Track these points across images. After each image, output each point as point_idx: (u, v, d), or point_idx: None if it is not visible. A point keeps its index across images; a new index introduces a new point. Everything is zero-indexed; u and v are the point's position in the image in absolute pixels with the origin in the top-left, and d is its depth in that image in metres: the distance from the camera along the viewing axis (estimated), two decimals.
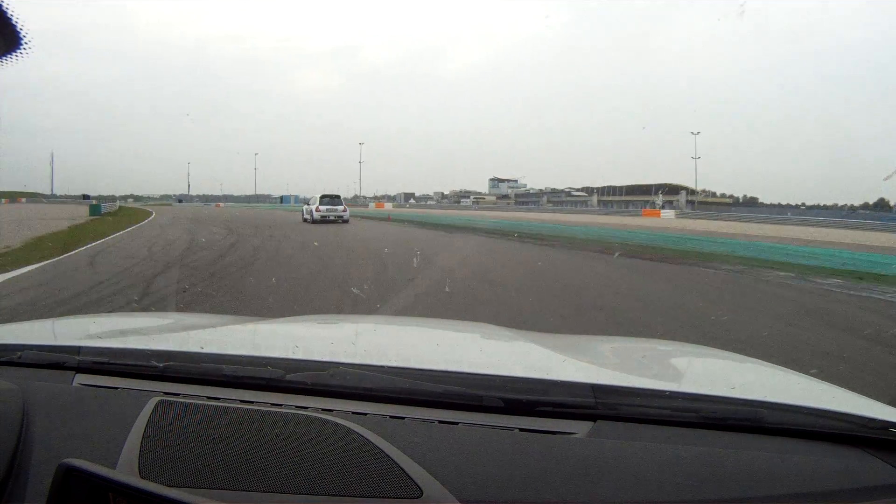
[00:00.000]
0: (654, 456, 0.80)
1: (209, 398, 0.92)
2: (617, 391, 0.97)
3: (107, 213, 29.23)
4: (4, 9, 0.67)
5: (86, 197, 49.80)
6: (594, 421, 0.88)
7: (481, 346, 1.52)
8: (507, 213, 45.92)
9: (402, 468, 0.71)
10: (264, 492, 0.69)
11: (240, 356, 1.06)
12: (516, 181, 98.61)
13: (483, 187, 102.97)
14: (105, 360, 1.05)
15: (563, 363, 1.27)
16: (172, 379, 0.99)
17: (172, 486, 0.66)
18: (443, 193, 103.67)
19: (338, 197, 23.18)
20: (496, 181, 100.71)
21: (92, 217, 25.06)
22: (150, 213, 32.82)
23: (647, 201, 61.20)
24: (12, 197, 69.34)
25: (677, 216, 42.27)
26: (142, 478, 0.69)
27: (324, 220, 21.83)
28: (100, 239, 13.24)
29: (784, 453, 0.83)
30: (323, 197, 22.98)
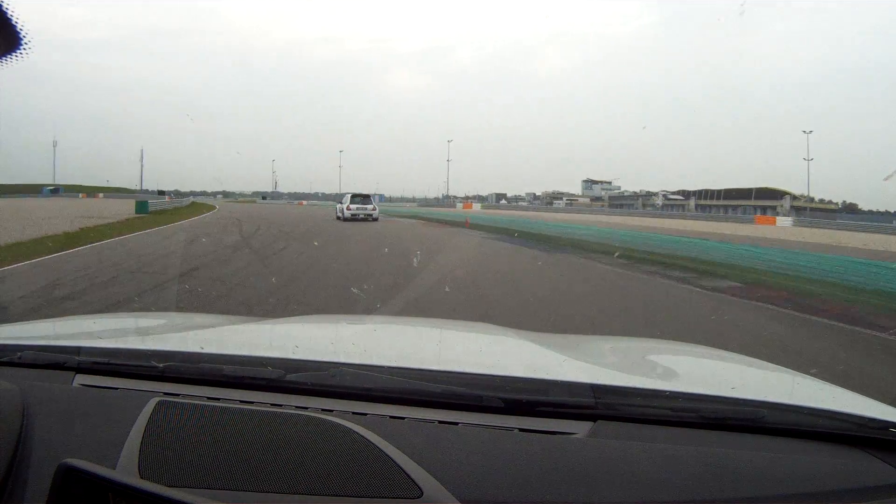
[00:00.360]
0: (654, 456, 0.80)
1: (209, 398, 0.92)
2: (617, 391, 0.97)
3: (156, 211, 25.66)
4: (4, 9, 0.67)
5: (161, 192, 50.35)
6: (594, 421, 0.88)
7: (481, 346, 1.52)
8: (606, 218, 40.92)
9: (402, 468, 0.71)
10: (264, 492, 0.69)
11: (240, 356, 1.06)
12: (610, 183, 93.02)
13: (575, 188, 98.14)
14: (105, 360, 1.05)
15: (563, 363, 1.27)
16: (172, 379, 0.99)
17: (172, 487, 0.66)
18: (535, 194, 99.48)
19: (368, 196, 24.97)
20: (589, 183, 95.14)
21: (136, 215, 22.55)
22: (207, 211, 30.26)
23: (761, 206, 57.09)
24: (90, 192, 68.12)
25: (795, 224, 38.22)
26: (142, 478, 0.69)
27: (353, 218, 23.14)
28: (78, 247, 10.62)
29: (784, 453, 0.83)
30: (354, 196, 24.56)
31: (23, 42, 0.71)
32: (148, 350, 1.10)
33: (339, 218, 24.15)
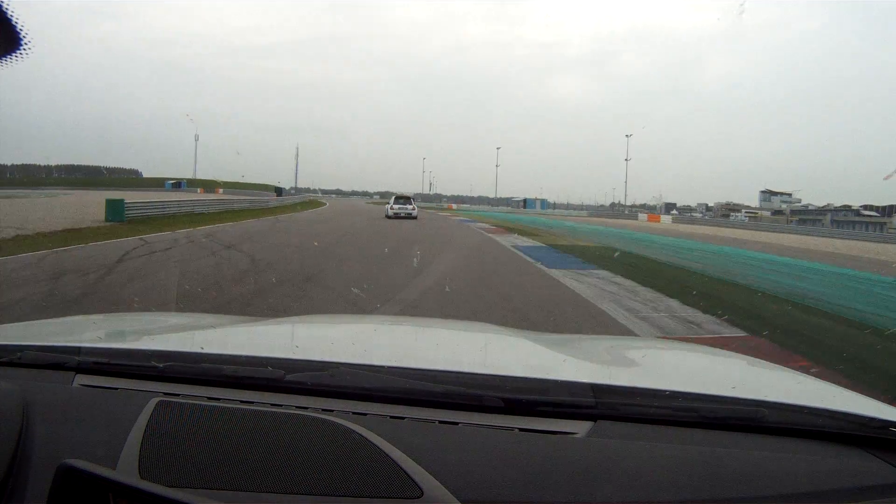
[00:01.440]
0: (654, 456, 0.80)
1: (209, 398, 0.92)
2: (617, 391, 0.97)
3: (137, 219, 18.52)
4: (4, 9, 0.67)
5: (277, 190, 50.33)
6: (594, 421, 0.88)
7: (481, 345, 1.52)
8: (824, 243, 26.66)
9: (402, 468, 0.71)
10: (264, 492, 0.69)
11: (240, 356, 1.05)
12: (790, 195, 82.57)
13: (750, 199, 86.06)
14: (105, 360, 1.05)
15: (563, 363, 1.27)
16: (172, 379, 0.99)
17: (172, 487, 0.66)
18: (707, 205, 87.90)
19: (409, 198, 29.87)
20: (767, 194, 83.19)
21: (105, 222, 17.08)
22: (283, 213, 26.01)
23: None
24: (209, 186, 64.59)
25: None
26: (142, 478, 0.69)
27: (396, 216, 27.22)
28: None
29: (784, 453, 0.84)
30: (398, 198, 29.63)
31: (23, 42, 0.70)
32: (148, 350, 1.10)
33: (387, 216, 27.64)
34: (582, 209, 78.35)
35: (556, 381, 0.96)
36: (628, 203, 70.80)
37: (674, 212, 78.78)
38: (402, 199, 29.77)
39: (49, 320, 1.93)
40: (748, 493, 0.75)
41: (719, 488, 0.75)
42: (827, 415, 0.91)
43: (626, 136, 70.06)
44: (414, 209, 28.82)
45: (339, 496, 0.68)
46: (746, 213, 74.90)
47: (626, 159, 66.73)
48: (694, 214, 77.40)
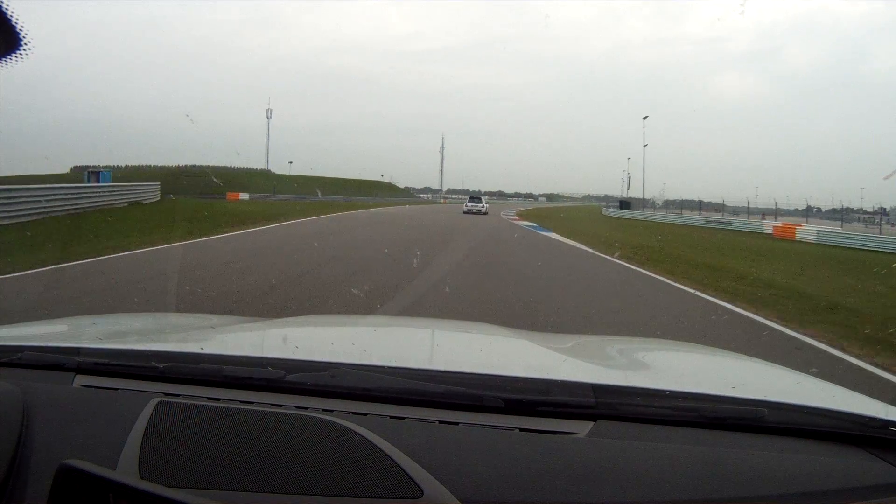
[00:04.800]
0: (654, 456, 0.80)
1: (209, 399, 0.92)
2: (617, 391, 0.97)
3: None
4: (4, 9, 0.67)
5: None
6: (595, 421, 0.88)
7: (482, 346, 1.52)
8: None
9: (402, 468, 0.71)
10: (264, 492, 0.69)
11: (240, 357, 1.05)
12: None
13: None
14: (105, 360, 1.05)
15: (563, 363, 1.27)
16: (173, 380, 0.99)
17: (172, 487, 0.66)
18: (884, 210, 69.85)
19: (479, 198, 35.82)
20: None
21: None
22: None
23: None
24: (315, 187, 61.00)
25: None
26: (142, 478, 0.69)
27: (469, 212, 32.18)
28: None
29: (784, 453, 0.83)
30: (472, 197, 36.11)
31: (23, 42, 0.70)
32: (148, 350, 1.10)
33: (464, 212, 32.65)
34: None
35: (556, 382, 0.96)
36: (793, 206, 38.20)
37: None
38: (475, 198, 36.05)
39: (49, 320, 1.92)
40: (748, 493, 0.75)
41: (719, 488, 0.75)
42: (827, 415, 0.91)
43: None
44: (483, 206, 33.50)
45: (340, 496, 0.68)
46: None
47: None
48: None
